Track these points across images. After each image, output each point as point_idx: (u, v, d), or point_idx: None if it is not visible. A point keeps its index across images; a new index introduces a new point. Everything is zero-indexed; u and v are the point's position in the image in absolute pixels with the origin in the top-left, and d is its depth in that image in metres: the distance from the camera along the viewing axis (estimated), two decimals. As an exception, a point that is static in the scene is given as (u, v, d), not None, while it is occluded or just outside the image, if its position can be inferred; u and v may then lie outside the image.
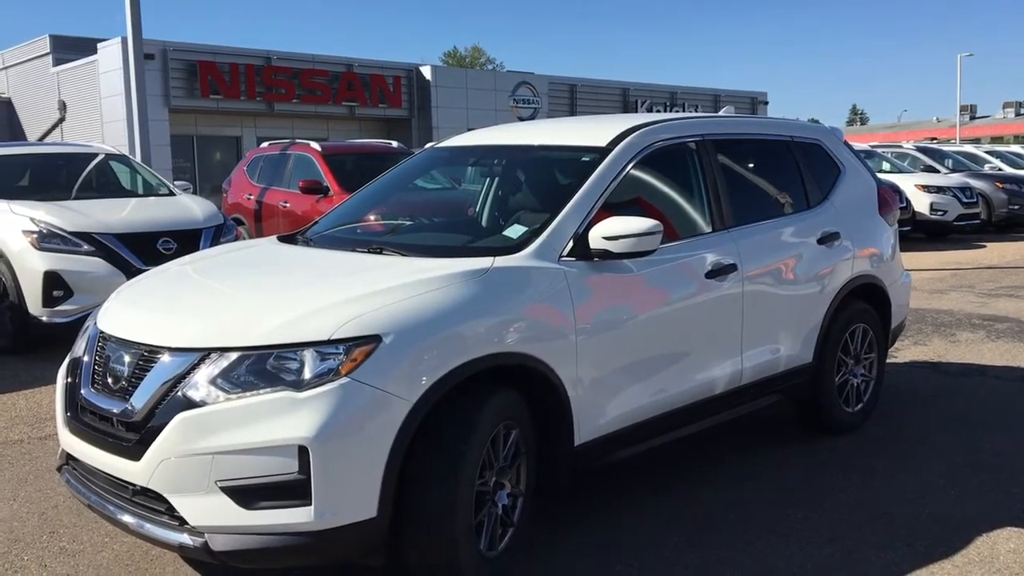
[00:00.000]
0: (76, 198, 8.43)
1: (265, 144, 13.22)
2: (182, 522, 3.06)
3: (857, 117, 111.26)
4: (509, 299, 3.48)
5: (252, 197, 12.00)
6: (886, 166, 18.57)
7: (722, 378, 4.42)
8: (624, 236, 3.76)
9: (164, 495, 3.08)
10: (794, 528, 3.97)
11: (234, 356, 3.08)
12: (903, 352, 7.37)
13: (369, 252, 3.94)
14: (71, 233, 7.46)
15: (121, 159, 9.55)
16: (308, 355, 3.05)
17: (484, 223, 4.71)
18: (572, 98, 33.76)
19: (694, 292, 4.24)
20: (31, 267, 7.38)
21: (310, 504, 2.96)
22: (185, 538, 3.05)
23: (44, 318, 7.34)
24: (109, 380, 3.39)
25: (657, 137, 4.40)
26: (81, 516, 4.08)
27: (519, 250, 3.72)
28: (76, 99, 27.10)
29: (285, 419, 2.96)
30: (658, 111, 36.23)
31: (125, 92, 24.24)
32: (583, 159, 4.20)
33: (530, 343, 3.49)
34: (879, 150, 20.14)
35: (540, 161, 4.54)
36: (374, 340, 3.09)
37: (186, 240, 7.73)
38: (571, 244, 3.80)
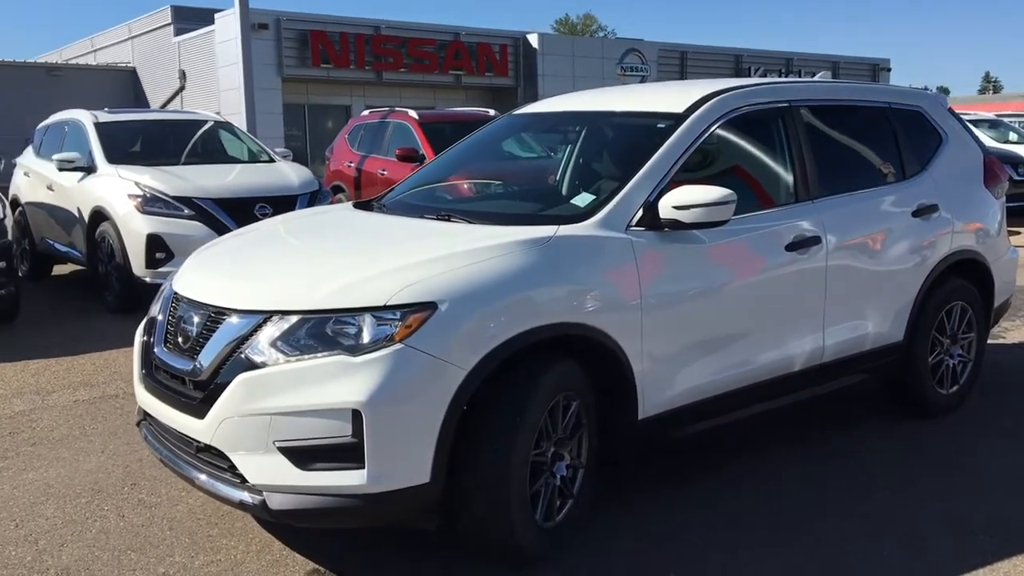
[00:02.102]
0: (182, 164, 8.71)
1: (365, 112, 13.38)
2: (243, 480, 3.13)
3: (990, 85, 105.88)
4: (570, 269, 3.42)
5: (352, 165, 12.19)
6: (1013, 136, 17.58)
7: (801, 355, 4.26)
8: (695, 206, 3.64)
9: (226, 453, 3.15)
10: (875, 511, 3.81)
11: (294, 319, 3.12)
12: (1013, 332, 6.98)
13: (437, 219, 3.93)
14: (173, 198, 7.72)
15: (226, 127, 9.83)
16: (365, 320, 3.07)
17: (560, 191, 4.65)
18: (682, 65, 33.06)
19: (772, 265, 4.08)
20: (135, 230, 7.68)
21: (363, 467, 2.98)
22: (245, 496, 3.12)
23: (147, 279, 7.64)
24: (180, 340, 3.48)
25: (738, 103, 4.24)
26: (162, 471, 4.23)
27: (585, 219, 3.64)
28: (195, 68, 27.99)
29: (340, 383, 2.99)
30: (772, 78, 35.16)
31: (240, 62, 25.06)
32: (659, 126, 4.08)
33: (591, 314, 3.42)
34: (1007, 119, 19.07)
35: (616, 128, 4.44)
36: (430, 307, 3.08)
37: (281, 205, 7.91)
38: (640, 213, 3.71)
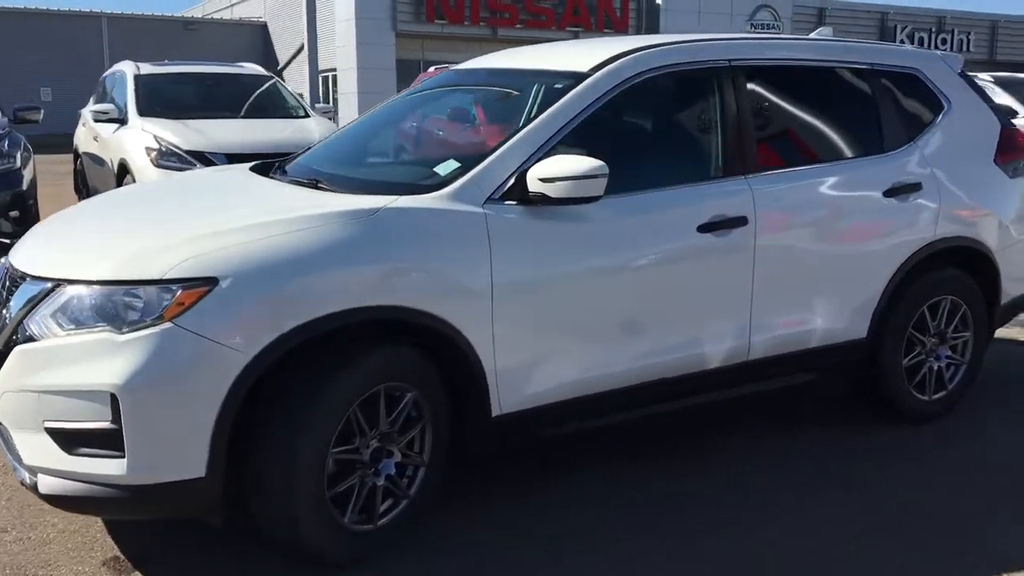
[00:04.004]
0: (210, 117, 8.68)
1: (432, 68, 13.09)
2: (19, 459, 2.95)
3: None
4: (396, 246, 3.05)
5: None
6: None
7: (717, 351, 3.76)
8: (561, 178, 3.21)
9: (8, 428, 2.98)
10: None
11: (75, 289, 2.89)
12: None
13: (304, 185, 3.62)
14: (186, 152, 7.70)
15: (268, 81, 9.75)
16: (140, 295, 2.81)
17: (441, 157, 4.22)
18: (819, 23, 31.25)
19: (676, 248, 3.59)
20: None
21: (123, 456, 2.75)
22: (24, 475, 2.94)
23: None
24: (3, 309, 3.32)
25: (658, 62, 3.73)
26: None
27: (437, 189, 3.27)
28: (319, 24, 28.38)
29: (102, 363, 2.75)
30: (921, 38, 32.96)
31: (354, 16, 25.25)
32: (556, 86, 3.63)
33: (423, 298, 3.06)
34: None
35: (516, 88, 3.98)
36: (208, 283, 2.79)
37: (296, 161, 7.75)
38: (510, 185, 3.30)
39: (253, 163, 4.21)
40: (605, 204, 3.43)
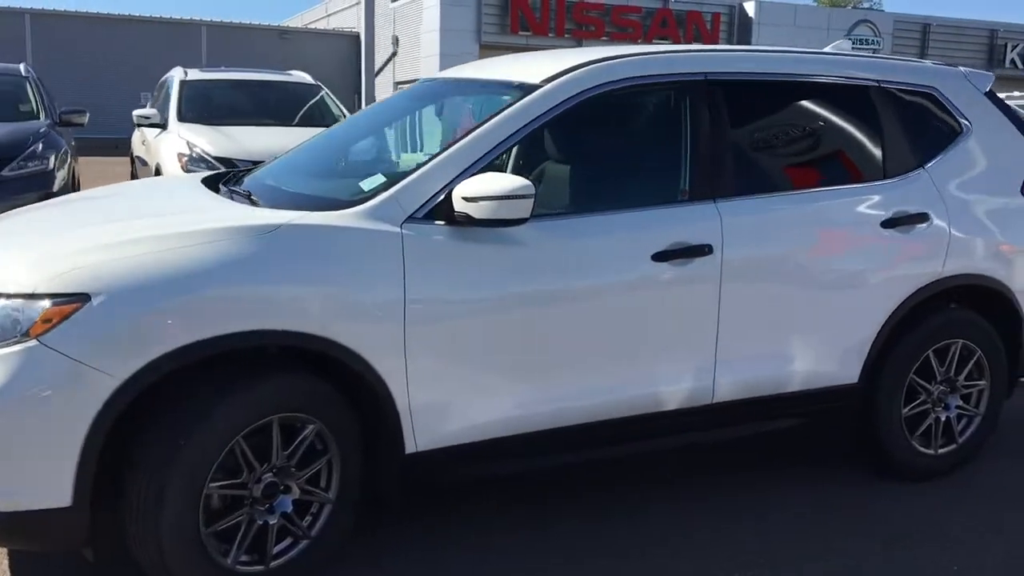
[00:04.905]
0: (252, 124, 8.66)
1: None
2: None
3: None
4: (294, 266, 2.82)
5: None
6: None
7: (675, 392, 3.42)
8: (484, 198, 2.94)
9: None
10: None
11: None
12: None
13: (239, 199, 3.42)
14: (215, 158, 7.67)
15: (314, 89, 9.71)
16: (9, 310, 2.65)
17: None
18: (923, 40, 30.02)
19: (624, 277, 3.27)
20: (176, 189, 7.71)
21: (-22, 481, 2.59)
22: None
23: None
24: None
25: (619, 74, 3.42)
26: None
27: (354, 206, 3.03)
28: (406, 34, 28.65)
29: None
30: (1032, 56, 31.32)
31: (439, 28, 25.36)
32: (503, 98, 3.36)
33: (320, 323, 2.82)
34: None
35: (470, 99, 3.72)
36: (80, 299, 2.61)
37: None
38: (436, 204, 3.05)
39: (211, 173, 4.05)
40: (545, 227, 3.18)
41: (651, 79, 3.50)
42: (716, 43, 27.82)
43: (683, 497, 3.75)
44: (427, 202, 3.04)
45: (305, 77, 10.05)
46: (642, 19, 26.73)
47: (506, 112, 3.23)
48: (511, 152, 3.72)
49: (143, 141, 9.39)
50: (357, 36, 33.47)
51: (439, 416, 3.06)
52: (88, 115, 8.44)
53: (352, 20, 34.14)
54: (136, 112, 8.80)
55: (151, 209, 3.45)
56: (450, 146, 3.16)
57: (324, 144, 4.12)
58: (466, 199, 2.97)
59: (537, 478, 3.76)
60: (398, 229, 2.97)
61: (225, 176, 4.02)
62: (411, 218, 3.01)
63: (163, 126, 8.63)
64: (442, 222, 3.04)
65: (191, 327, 2.67)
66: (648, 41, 26.88)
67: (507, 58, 4.13)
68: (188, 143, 7.88)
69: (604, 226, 3.29)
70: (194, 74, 9.38)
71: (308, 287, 2.82)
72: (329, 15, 36.11)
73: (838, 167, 3.79)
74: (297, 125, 8.96)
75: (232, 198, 3.44)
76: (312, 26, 36.13)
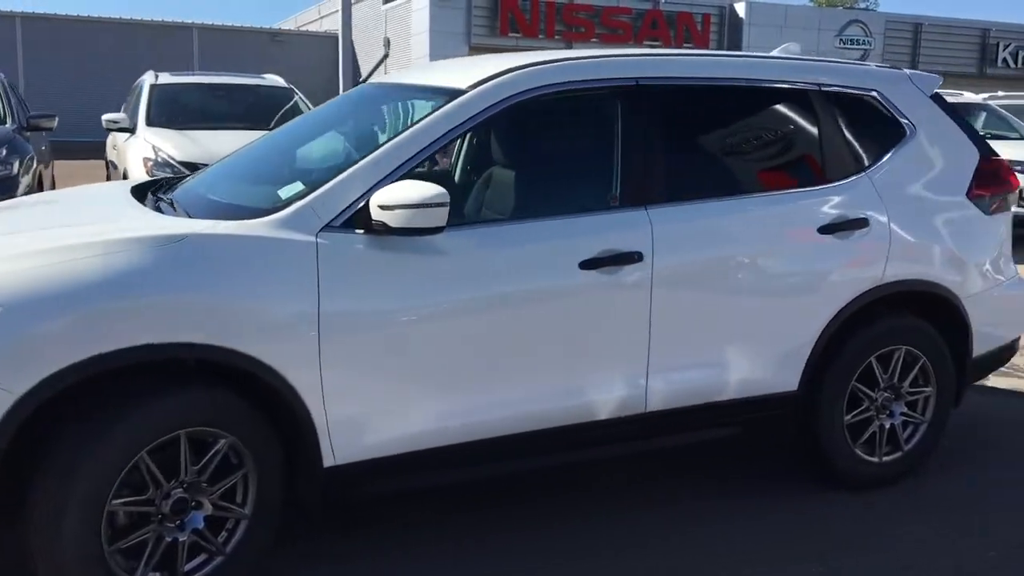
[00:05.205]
0: (220, 128, 8.60)
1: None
2: None
3: None
4: (201, 277, 2.77)
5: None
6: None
7: (606, 401, 3.37)
8: (399, 206, 2.89)
9: None
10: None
11: None
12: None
13: (161, 208, 3.37)
14: (179, 162, 7.63)
15: (285, 93, 9.65)
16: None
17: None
18: (915, 39, 29.94)
19: (551, 285, 3.23)
20: (140, 194, 7.66)
21: None
22: None
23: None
24: None
25: (549, 79, 3.37)
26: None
27: (273, 213, 2.98)
28: (396, 36, 28.61)
29: None
30: (1025, 56, 31.25)
31: (428, 30, 25.31)
32: (429, 104, 3.32)
33: (229, 335, 2.77)
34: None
35: (401, 105, 3.67)
36: (-27, 313, 2.56)
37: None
38: (355, 212, 3.00)
39: (142, 181, 4.00)
40: (470, 235, 3.15)
41: (581, 84, 3.45)
42: (707, 44, 27.78)
43: (643, 503, 3.71)
44: (345, 210, 2.99)
45: (278, 81, 9.99)
46: (632, 20, 26.68)
47: (430, 118, 3.18)
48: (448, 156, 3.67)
49: (114, 145, 9.34)
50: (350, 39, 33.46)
51: (358, 429, 3.01)
52: (57, 119, 8.38)
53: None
54: (105, 117, 8.74)
55: (67, 219, 3.40)
56: (370, 153, 3.11)
57: (260, 150, 4.07)
58: (382, 207, 2.92)
59: (485, 487, 3.72)
60: (313, 238, 2.92)
61: (157, 184, 3.96)
62: (328, 227, 2.96)
63: (132, 130, 8.58)
64: (362, 231, 2.99)
65: (87, 341, 2.61)
66: (639, 43, 26.82)
67: (449, 62, 4.08)
68: (154, 147, 7.83)
69: (531, 234, 3.25)
70: (165, 78, 9.33)
71: (214, 299, 2.77)
72: (322, 17, 36.06)
73: (775, 172, 3.74)
74: (269, 129, 8.87)
75: (157, 207, 3.39)
76: (305, 28, 36.08)
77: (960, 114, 4.16)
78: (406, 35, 27.16)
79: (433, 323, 3.06)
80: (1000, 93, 15.10)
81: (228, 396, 2.86)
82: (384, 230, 2.94)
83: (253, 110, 9.17)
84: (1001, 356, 4.23)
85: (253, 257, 2.85)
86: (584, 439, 3.40)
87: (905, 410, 3.95)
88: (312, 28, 36.00)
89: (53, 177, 9.76)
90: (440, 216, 2.90)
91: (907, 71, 4.13)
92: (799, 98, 3.79)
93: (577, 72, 3.44)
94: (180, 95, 9.19)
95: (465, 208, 3.53)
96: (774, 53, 4.36)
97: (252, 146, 4.11)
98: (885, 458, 3.92)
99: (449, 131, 3.18)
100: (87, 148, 18.84)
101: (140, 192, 3.70)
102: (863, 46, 28.98)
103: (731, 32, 27.95)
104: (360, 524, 3.51)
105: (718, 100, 3.71)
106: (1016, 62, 30.90)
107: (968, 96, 13.07)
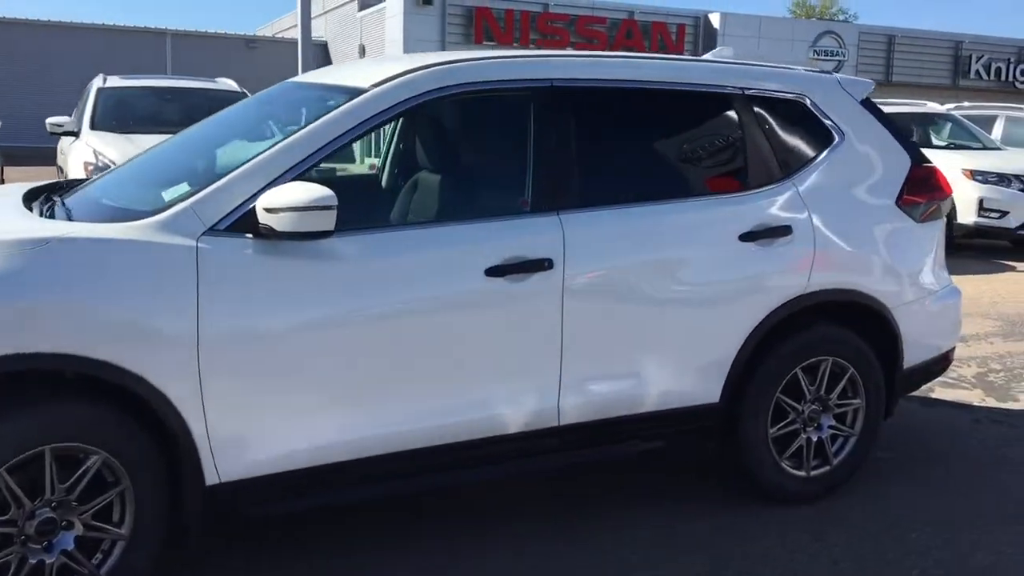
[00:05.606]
0: (167, 132, 8.40)
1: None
2: None
3: None
4: (63, 284, 2.61)
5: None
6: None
7: (516, 415, 3.23)
8: (284, 209, 2.76)
9: None
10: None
11: None
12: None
13: (47, 213, 3.21)
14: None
15: (236, 96, 9.49)
16: None
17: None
18: (889, 51, 30.12)
19: (453, 293, 3.10)
20: (81, 199, 7.48)
21: None
22: None
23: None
24: None
25: (458, 79, 3.25)
26: None
27: (147, 217, 2.84)
28: (371, 44, 28.49)
29: None
30: (998, 69, 31.47)
31: (401, 37, 25.22)
32: (328, 103, 3.18)
33: (95, 345, 2.62)
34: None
35: (304, 105, 3.52)
36: None
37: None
38: (242, 215, 2.86)
39: (38, 184, 3.83)
40: (369, 240, 3.01)
41: (492, 85, 3.33)
42: (681, 53, 27.81)
43: (536, 514, 3.58)
44: (231, 213, 2.85)
45: (231, 85, 9.84)
46: (607, 30, 26.70)
47: (325, 118, 3.05)
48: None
49: (62, 150, 9.17)
50: (325, 45, 33.32)
51: (244, 446, 2.86)
52: (1, 123, 8.19)
53: (321, 29, 33.96)
54: (49, 120, 8.56)
55: None
56: (261, 154, 2.97)
57: (164, 151, 3.91)
58: (268, 210, 2.79)
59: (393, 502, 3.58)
60: (193, 243, 2.78)
61: (56, 187, 3.80)
62: (212, 230, 2.82)
63: (76, 134, 8.41)
64: (248, 235, 2.85)
65: None
66: (614, 51, 26.82)
67: (364, 61, 3.95)
68: (95, 151, 7.68)
69: (436, 239, 3.12)
70: (113, 81, 9.17)
71: (76, 306, 2.61)
72: (297, 25, 35.89)
73: (696, 178, 3.63)
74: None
75: (48, 211, 3.24)
76: (281, 35, 35.89)
77: (892, 121, 4.05)
78: (381, 42, 27.05)
79: (326, 333, 2.92)
80: (966, 104, 15.12)
81: (98, 410, 2.70)
82: (271, 234, 2.80)
83: (202, 114, 8.94)
84: (935, 367, 4.13)
85: (122, 262, 2.70)
86: (494, 454, 3.26)
87: (833, 423, 3.83)
88: (289, 35, 35.78)
89: (3, 181, 9.56)
90: (328, 219, 2.77)
91: (837, 75, 4.03)
92: (722, 102, 3.68)
93: (487, 72, 3.32)
94: (128, 99, 9.03)
95: (373, 212, 3.40)
96: (706, 57, 4.26)
97: (158, 147, 3.96)
98: (813, 472, 3.81)
99: (346, 132, 3.04)
100: (50, 154, 18.64)
101: (35, 195, 3.54)
102: (837, 57, 29.10)
103: (706, 42, 27.97)
104: (262, 541, 3.36)
105: (637, 103, 3.59)
106: (989, 74, 31.11)
107: (932, 106, 13.05)
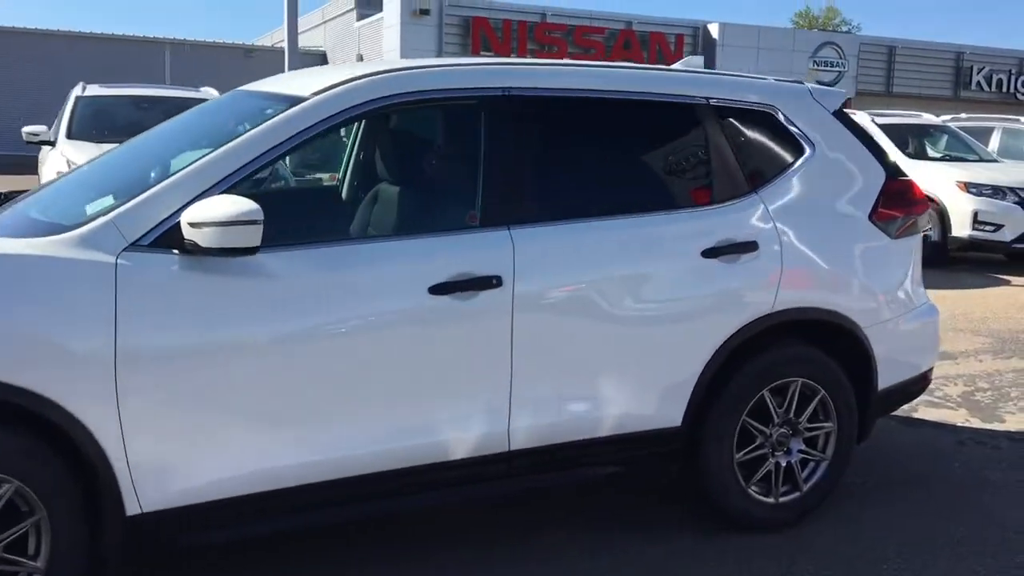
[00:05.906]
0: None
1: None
2: None
3: None
4: (-25, 303, 2.47)
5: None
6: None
7: (461, 439, 3.08)
8: (208, 224, 2.61)
9: None
10: None
11: None
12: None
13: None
14: (93, 177, 7.32)
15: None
16: None
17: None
18: (889, 62, 29.96)
19: (395, 312, 2.94)
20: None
21: None
22: None
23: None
24: None
25: (404, 87, 3.11)
26: None
27: (73, 230, 2.69)
28: (369, 53, 28.43)
29: None
30: (1000, 80, 31.32)
31: (398, 47, 25.15)
32: (267, 112, 3.04)
33: (12, 369, 2.48)
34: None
35: (245, 114, 3.37)
36: None
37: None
38: (167, 230, 2.71)
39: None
40: (304, 257, 2.87)
41: (440, 93, 3.18)
42: (680, 64, 27.68)
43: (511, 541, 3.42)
44: (155, 228, 2.71)
45: (213, 94, 9.73)
46: (605, 40, 26.59)
47: (262, 127, 2.91)
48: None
49: (42, 159, 9.05)
50: (323, 54, 33.31)
51: (167, 473, 2.71)
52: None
53: (319, 39, 33.98)
54: (25, 129, 8.46)
55: None
56: (189, 165, 2.83)
57: (105, 162, 3.75)
58: (192, 225, 2.64)
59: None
60: (112, 259, 2.63)
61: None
62: (135, 246, 2.68)
63: (52, 143, 8.29)
64: (174, 251, 2.70)
65: None
66: (611, 62, 26.70)
67: (315, 69, 3.81)
68: (68, 161, 7.55)
69: (378, 255, 2.98)
70: (92, 90, 9.06)
71: None
72: (298, 33, 35.86)
73: (658, 191, 3.48)
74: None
75: None
76: (279, 44, 35.86)
77: (866, 133, 3.90)
78: (379, 52, 26.98)
79: (257, 354, 2.77)
80: (963, 115, 14.96)
81: (9, 435, 2.55)
82: (197, 250, 2.66)
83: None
84: (912, 388, 3.96)
85: (32, 278, 2.56)
86: (440, 480, 3.10)
87: (804, 447, 3.67)
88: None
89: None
90: (253, 235, 2.62)
91: (808, 86, 3.88)
92: (685, 112, 3.53)
93: (434, 80, 3.17)
94: (106, 107, 8.91)
95: (312, 226, 3.26)
96: (674, 66, 4.11)
97: (99, 158, 3.82)
98: (782, 498, 3.64)
99: (282, 142, 2.90)
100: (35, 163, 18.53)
101: None
102: (837, 68, 28.97)
103: (705, 53, 27.84)
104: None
105: (596, 113, 3.44)
106: (990, 85, 30.94)
107: (927, 118, 12.90)
